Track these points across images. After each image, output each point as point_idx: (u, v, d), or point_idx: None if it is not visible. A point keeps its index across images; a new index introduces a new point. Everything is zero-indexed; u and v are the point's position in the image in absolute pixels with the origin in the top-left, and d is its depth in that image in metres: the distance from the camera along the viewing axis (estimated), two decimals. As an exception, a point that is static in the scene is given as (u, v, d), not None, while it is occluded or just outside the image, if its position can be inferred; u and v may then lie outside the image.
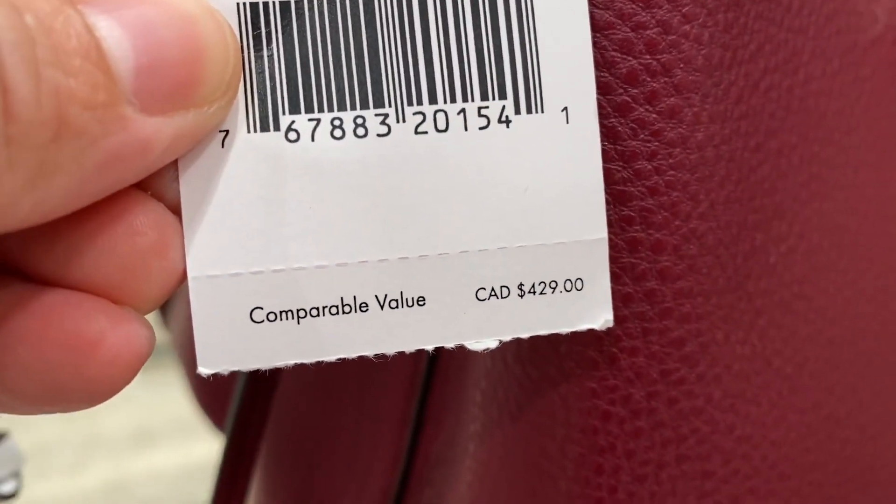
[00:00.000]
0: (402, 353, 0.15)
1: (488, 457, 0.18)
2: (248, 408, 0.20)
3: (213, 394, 0.28)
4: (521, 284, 0.15)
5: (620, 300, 0.16)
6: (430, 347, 0.15)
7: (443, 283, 0.15)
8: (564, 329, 0.15)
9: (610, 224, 0.16)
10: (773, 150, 0.18)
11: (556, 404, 0.17)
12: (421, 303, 0.15)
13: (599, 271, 0.15)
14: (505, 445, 0.18)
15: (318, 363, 0.14)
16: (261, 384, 0.20)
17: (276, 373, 0.21)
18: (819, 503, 0.19)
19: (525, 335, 0.15)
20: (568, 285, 0.15)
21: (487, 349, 0.15)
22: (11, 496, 0.27)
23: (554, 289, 0.15)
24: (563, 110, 0.15)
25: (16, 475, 0.27)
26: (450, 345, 0.15)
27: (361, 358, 0.15)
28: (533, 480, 0.18)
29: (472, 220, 0.15)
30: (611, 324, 0.16)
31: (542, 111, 0.15)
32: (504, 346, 0.18)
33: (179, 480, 0.50)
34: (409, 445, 0.21)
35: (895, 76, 0.19)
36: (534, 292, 0.15)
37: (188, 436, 0.49)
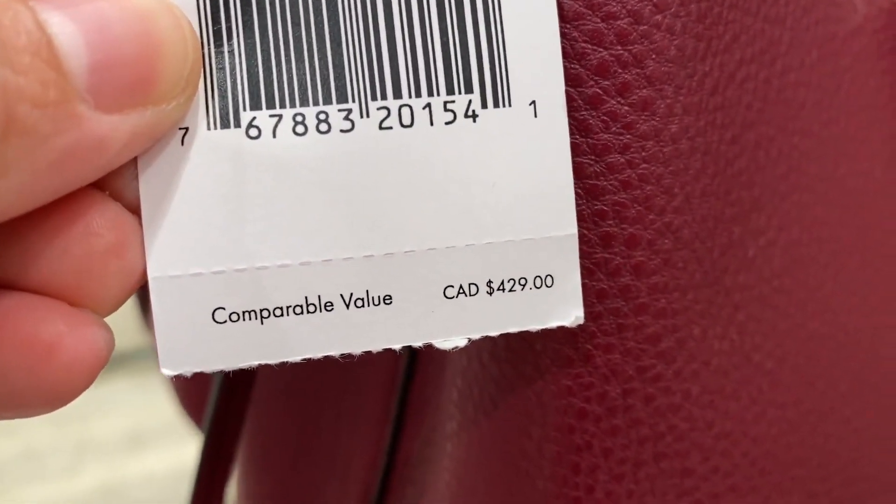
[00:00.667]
0: (370, 353, 0.15)
1: (465, 456, 0.18)
2: (224, 409, 0.20)
3: (192, 394, 0.27)
4: (490, 282, 0.15)
5: (594, 296, 0.16)
6: (397, 347, 0.14)
7: (409, 282, 0.14)
8: (534, 326, 0.15)
9: (583, 219, 0.16)
10: (751, 143, 0.17)
11: (532, 403, 0.17)
12: (387, 301, 0.14)
13: (570, 268, 0.15)
14: (482, 444, 0.18)
15: (284, 363, 0.14)
16: (236, 385, 0.20)
17: (251, 373, 0.21)
18: (802, 499, 0.18)
19: (494, 333, 0.15)
20: (538, 282, 0.15)
21: (456, 347, 0.15)
22: None
23: (523, 286, 0.15)
24: (530, 104, 0.15)
25: None
26: (418, 344, 0.15)
27: (328, 358, 0.14)
28: (510, 479, 0.17)
29: (439, 217, 0.14)
30: (581, 321, 0.15)
31: (510, 105, 0.15)
32: (479, 345, 0.17)
33: (173, 483, 0.50)
34: (389, 444, 0.20)
35: (874, 67, 0.19)
36: (503, 290, 0.15)
37: (181, 438, 0.49)
